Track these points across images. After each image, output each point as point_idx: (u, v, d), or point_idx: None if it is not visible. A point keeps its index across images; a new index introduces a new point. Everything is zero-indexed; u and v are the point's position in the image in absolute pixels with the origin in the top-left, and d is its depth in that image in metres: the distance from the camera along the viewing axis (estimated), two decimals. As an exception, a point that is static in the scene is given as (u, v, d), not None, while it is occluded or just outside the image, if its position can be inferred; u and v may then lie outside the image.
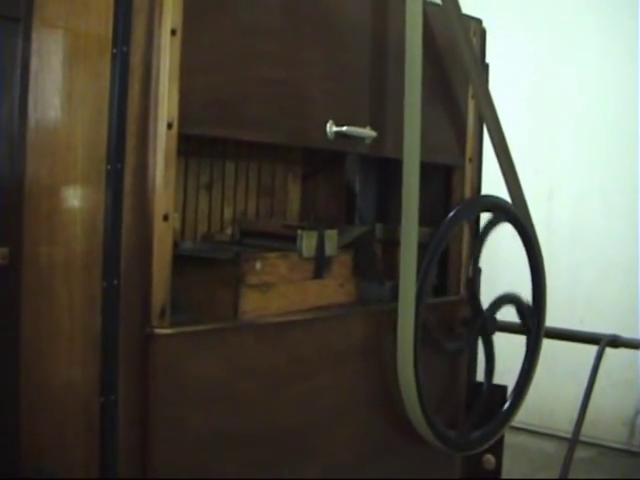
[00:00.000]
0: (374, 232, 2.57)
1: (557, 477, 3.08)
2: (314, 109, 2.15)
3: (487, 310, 2.55)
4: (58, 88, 1.88)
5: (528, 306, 2.64)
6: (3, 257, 1.86)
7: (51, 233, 1.87)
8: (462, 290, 2.64)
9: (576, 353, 3.84)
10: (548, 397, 5.07)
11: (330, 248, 2.26)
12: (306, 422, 2.18)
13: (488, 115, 2.55)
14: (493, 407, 2.59)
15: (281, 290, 2.14)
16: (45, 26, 1.89)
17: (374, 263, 2.44)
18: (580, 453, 3.68)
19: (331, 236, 2.26)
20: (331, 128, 2.18)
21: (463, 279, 2.64)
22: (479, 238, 2.53)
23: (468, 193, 2.66)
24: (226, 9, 1.92)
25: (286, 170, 2.60)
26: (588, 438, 4.75)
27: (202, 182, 2.34)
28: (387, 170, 2.77)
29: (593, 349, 3.32)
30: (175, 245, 1.91)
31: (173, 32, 1.80)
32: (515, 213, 2.58)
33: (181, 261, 1.93)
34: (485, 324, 2.53)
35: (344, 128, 2.19)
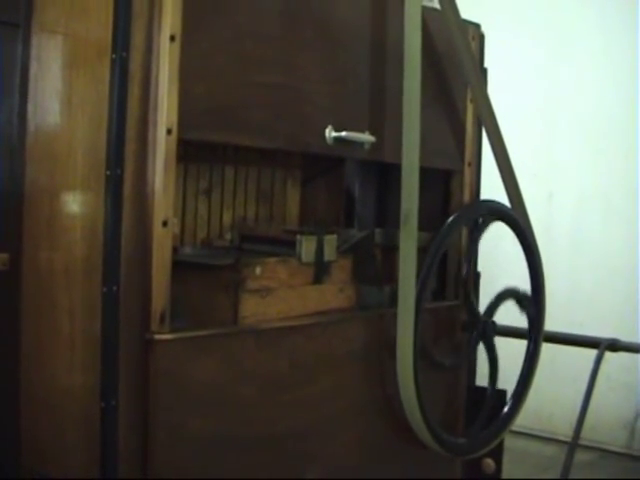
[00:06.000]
0: (373, 237, 2.56)
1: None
2: (313, 114, 2.15)
3: (485, 314, 2.55)
4: (57, 93, 1.88)
5: (526, 295, 2.64)
6: (3, 263, 1.86)
7: (51, 239, 1.87)
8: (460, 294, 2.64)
9: (575, 357, 3.85)
10: (547, 401, 5.07)
11: (329, 253, 2.25)
12: (306, 427, 2.17)
13: (487, 119, 2.55)
14: (493, 411, 2.59)
15: (281, 295, 2.14)
16: (44, 31, 1.89)
17: (373, 268, 2.44)
18: (580, 457, 3.67)
19: (330, 241, 2.26)
20: (330, 133, 2.18)
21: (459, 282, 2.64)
22: (472, 241, 2.53)
23: (467, 197, 2.66)
24: (225, 14, 1.92)
25: (285, 175, 2.60)
26: (588, 442, 4.75)
27: (201, 187, 2.34)
28: (386, 175, 2.77)
29: (592, 353, 3.32)
30: (174, 251, 1.91)
31: (172, 38, 1.80)
32: (514, 217, 2.58)
33: (181, 267, 1.93)
34: (485, 328, 2.53)
35: (343, 133, 2.19)
